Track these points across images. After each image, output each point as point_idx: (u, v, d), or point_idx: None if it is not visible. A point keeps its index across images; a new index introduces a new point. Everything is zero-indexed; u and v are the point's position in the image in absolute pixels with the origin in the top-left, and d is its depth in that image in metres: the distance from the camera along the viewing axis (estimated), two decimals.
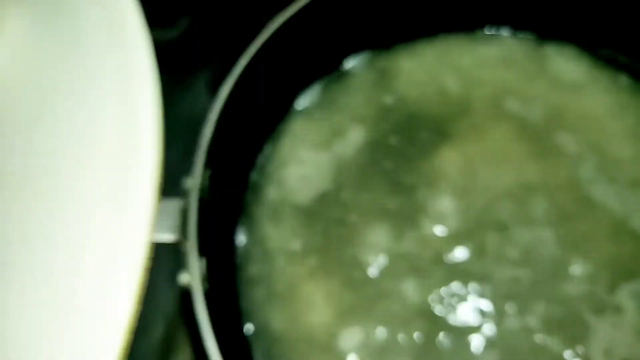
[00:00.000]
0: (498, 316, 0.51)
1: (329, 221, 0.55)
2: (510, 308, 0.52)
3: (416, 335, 0.51)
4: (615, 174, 0.58)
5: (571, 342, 0.51)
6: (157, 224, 0.42)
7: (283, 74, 0.58)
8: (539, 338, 0.51)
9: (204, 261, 0.42)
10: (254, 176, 0.57)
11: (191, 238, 0.40)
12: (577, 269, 0.54)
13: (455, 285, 0.53)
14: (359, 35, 0.62)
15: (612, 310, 0.52)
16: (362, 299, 0.52)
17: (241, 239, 0.54)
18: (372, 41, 0.63)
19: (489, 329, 0.51)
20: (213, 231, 0.47)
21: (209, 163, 0.45)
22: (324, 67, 0.62)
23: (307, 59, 0.60)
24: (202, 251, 0.42)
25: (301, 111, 0.60)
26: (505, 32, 0.66)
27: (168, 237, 0.41)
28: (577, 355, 0.50)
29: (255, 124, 0.56)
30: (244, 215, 0.55)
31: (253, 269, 0.53)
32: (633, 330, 0.52)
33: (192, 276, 0.39)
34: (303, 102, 0.61)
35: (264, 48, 0.52)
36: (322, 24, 0.58)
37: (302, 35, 0.57)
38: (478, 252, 0.54)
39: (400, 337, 0.51)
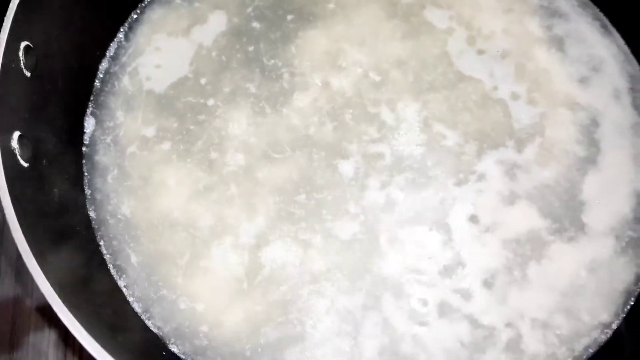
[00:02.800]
0: (359, 192, 0.50)
1: (185, 107, 0.53)
2: (373, 182, 0.51)
3: (273, 208, 0.49)
4: (485, 47, 0.56)
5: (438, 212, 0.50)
6: None
7: None
8: (401, 211, 0.50)
9: (15, 139, 0.40)
10: (104, 65, 0.54)
11: None
12: (445, 139, 0.52)
13: (318, 160, 0.51)
14: None
15: (477, 177, 0.51)
16: (219, 181, 0.50)
17: (90, 127, 0.52)
18: None
19: (352, 207, 0.50)
20: (38, 112, 0.44)
21: (24, 35, 0.42)
22: None
23: None
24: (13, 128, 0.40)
25: None
26: None
27: None
28: (444, 227, 0.49)
29: (102, 10, 0.52)
30: (94, 103, 0.53)
31: (102, 157, 0.51)
32: (497, 195, 0.51)
33: None
34: None
35: None
36: None
37: None
38: (341, 129, 0.52)
39: (260, 216, 0.49)
